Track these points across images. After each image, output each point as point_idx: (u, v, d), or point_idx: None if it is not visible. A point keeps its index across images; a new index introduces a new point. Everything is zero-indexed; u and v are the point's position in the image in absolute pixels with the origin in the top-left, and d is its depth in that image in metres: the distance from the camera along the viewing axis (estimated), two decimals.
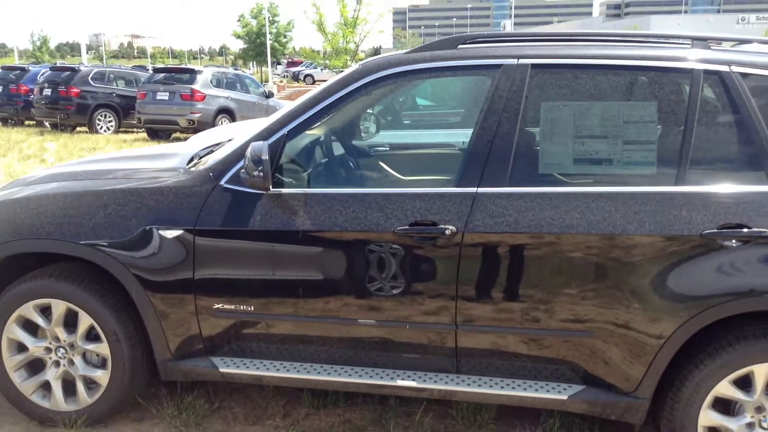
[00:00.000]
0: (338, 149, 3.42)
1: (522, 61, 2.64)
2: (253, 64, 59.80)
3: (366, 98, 2.90)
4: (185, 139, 15.20)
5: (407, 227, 2.58)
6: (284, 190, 2.71)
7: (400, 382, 2.68)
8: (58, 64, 21.11)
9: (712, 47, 2.61)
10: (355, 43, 16.66)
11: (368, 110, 4.39)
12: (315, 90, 2.89)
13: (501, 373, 2.67)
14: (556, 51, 2.66)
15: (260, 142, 2.59)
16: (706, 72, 2.51)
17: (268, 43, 41.00)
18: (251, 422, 3.05)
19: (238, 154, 2.79)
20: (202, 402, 3.12)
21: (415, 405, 3.14)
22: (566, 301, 2.50)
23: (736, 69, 2.50)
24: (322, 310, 2.70)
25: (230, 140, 3.54)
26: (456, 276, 2.57)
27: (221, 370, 2.81)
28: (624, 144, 2.55)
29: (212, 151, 3.29)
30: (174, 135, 15.98)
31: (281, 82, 41.61)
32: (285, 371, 2.78)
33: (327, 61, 17.99)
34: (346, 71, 2.92)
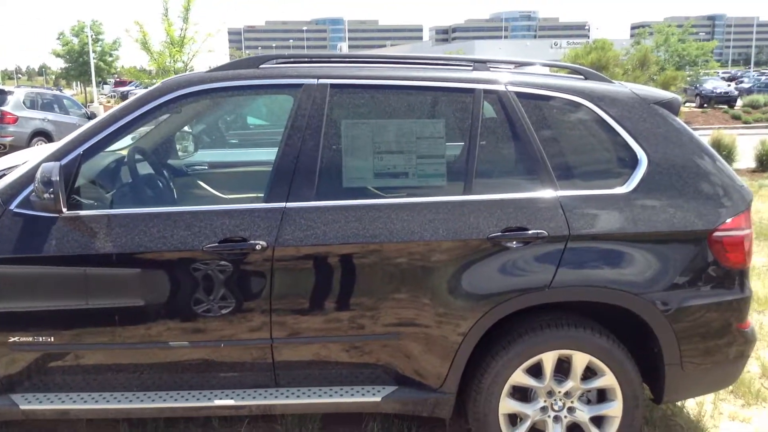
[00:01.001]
0: (146, 168, 3.33)
1: (321, 80, 2.76)
2: (76, 84, 55.91)
3: (167, 116, 2.87)
4: None
5: (216, 244, 2.58)
6: (82, 213, 2.60)
7: (218, 402, 2.66)
8: None
9: (491, 69, 2.89)
10: (183, 62, 16.16)
11: (185, 129, 4.32)
12: (113, 108, 2.81)
13: (319, 381, 2.74)
14: (354, 72, 2.81)
15: (51, 163, 2.47)
16: (486, 92, 2.77)
17: (92, 61, 38.58)
18: None
19: (29, 176, 2.64)
20: None
21: (238, 424, 3.12)
22: (373, 307, 2.63)
23: (511, 88, 2.78)
24: (129, 335, 2.62)
25: (24, 163, 3.33)
26: (270, 290, 2.61)
27: (22, 407, 2.62)
28: (417, 158, 2.74)
29: (4, 175, 3.07)
30: None
31: (108, 102, 39.30)
32: (93, 402, 2.65)
33: (155, 81, 17.29)
34: (147, 90, 2.88)
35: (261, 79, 2.77)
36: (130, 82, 48.55)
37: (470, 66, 2.90)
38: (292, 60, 2.94)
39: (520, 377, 2.71)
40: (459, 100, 2.80)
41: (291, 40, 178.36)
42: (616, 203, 2.67)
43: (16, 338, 2.58)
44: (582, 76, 2.94)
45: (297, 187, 2.66)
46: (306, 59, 2.98)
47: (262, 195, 2.84)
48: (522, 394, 2.79)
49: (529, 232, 2.61)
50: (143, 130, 3.19)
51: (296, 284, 2.63)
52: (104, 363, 2.66)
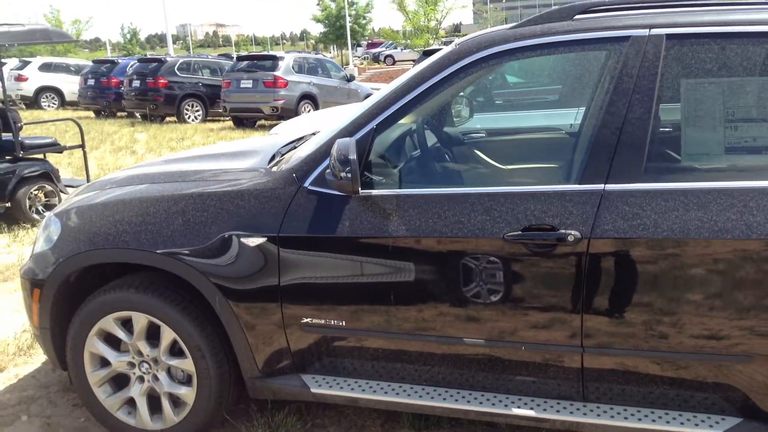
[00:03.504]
0: (430, 140, 3.05)
1: (655, 31, 2.20)
2: (333, 48, 60.00)
3: (463, 83, 2.52)
4: (270, 126, 15.34)
5: (519, 233, 2.21)
6: (374, 192, 2.39)
7: (517, 411, 2.33)
8: (147, 56, 21.71)
9: None
10: (436, 20, 16.09)
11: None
12: (406, 76, 2.55)
13: (637, 401, 2.27)
14: (697, 18, 2.19)
15: (346, 139, 2.27)
16: None
17: (348, 25, 40.86)
18: None
19: (323, 153, 2.49)
20: (294, 420, 2.88)
21: (527, 428, 2.78)
22: (716, 320, 2.07)
23: None
24: (421, 326, 2.38)
25: (314, 134, 3.26)
26: (582, 290, 2.18)
27: (313, 390, 2.55)
28: None
29: (295, 147, 3.02)
30: (259, 123, 16.08)
31: (362, 64, 41.40)
32: (383, 393, 2.48)
33: (408, 41, 17.52)
34: (441, 53, 2.56)
35: (578, 33, 2.28)
36: (381, 44, 50.75)
37: None
38: (612, 7, 2.41)
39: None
40: None
41: None
42: None
43: (308, 319, 2.49)
44: None
45: (620, 166, 2.16)
46: (630, 5, 2.42)
47: (568, 173, 2.41)
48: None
49: None
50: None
51: (616, 285, 2.15)
52: (394, 351, 2.47)
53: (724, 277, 2.04)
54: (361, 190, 2.36)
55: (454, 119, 3.94)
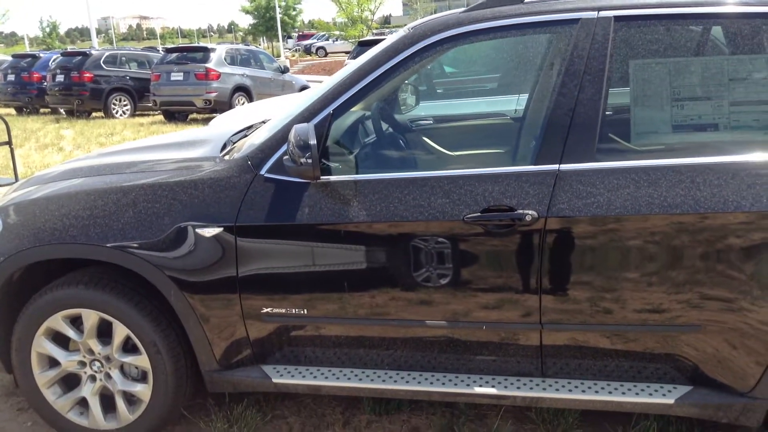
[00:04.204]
0: (383, 126, 3.06)
1: (603, 13, 2.27)
2: (263, 40, 59.09)
3: (417, 67, 2.53)
4: (203, 120, 14.98)
5: (479, 214, 2.24)
6: (333, 178, 2.38)
7: (478, 389, 2.37)
8: (68, 50, 20.78)
9: None
10: (370, 11, 16.11)
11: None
12: (359, 61, 2.54)
13: (594, 375, 2.35)
14: (641, 0, 2.28)
15: (305, 125, 2.25)
16: None
17: (278, 17, 40.32)
18: None
19: (278, 139, 2.46)
20: (254, 412, 2.85)
21: (487, 407, 2.83)
22: (667, 292, 2.16)
23: None
24: (383, 311, 2.39)
25: (263, 122, 3.21)
26: (540, 267, 2.23)
27: (274, 380, 2.52)
28: (731, 105, 2.17)
29: (246, 135, 2.96)
30: (191, 116, 15.69)
31: (293, 56, 40.96)
32: (346, 380, 2.48)
33: (342, 32, 17.45)
34: (393, 37, 2.56)
35: (528, 16, 2.33)
36: (312, 35, 50.32)
37: None
38: None
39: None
40: None
41: None
42: None
43: (268, 309, 2.46)
44: None
45: (573, 146, 2.23)
46: None
47: (523, 155, 2.46)
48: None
49: None
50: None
51: (572, 261, 2.22)
52: (355, 337, 2.47)
53: (674, 251, 2.13)
54: (321, 176, 2.34)
55: (401, 107, 3.96)
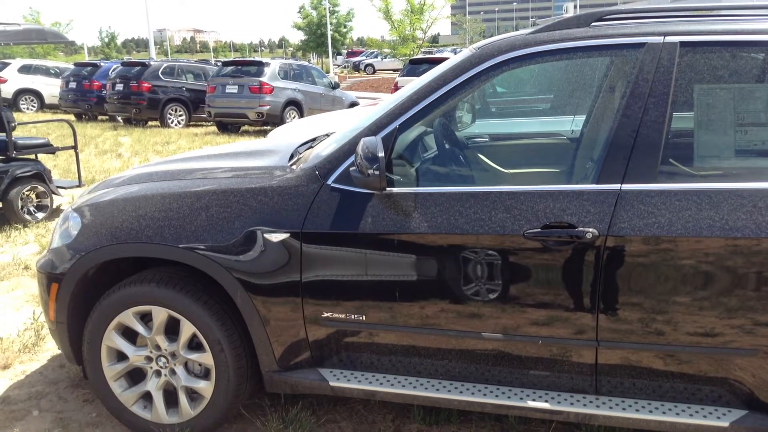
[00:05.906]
0: (443, 142, 3.14)
1: (669, 38, 2.31)
2: (313, 55, 60.06)
3: (483, 86, 2.61)
4: (255, 132, 15.31)
5: (539, 230, 2.30)
6: (396, 190, 2.47)
7: (532, 403, 2.41)
8: (128, 60, 21.56)
9: None
10: (422, 30, 16.29)
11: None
12: (426, 78, 2.63)
13: (647, 394, 2.37)
14: (709, 26, 2.31)
15: (373, 138, 2.35)
16: None
17: (329, 33, 40.98)
18: None
19: (346, 151, 2.56)
20: (308, 415, 2.93)
21: (537, 422, 2.86)
22: (726, 315, 2.17)
23: None
24: (441, 321, 2.46)
25: (328, 135, 3.33)
26: (598, 286, 2.27)
27: (331, 383, 2.60)
28: None
29: (311, 147, 3.08)
30: (243, 128, 16.06)
31: (342, 72, 41.52)
32: (401, 387, 2.55)
33: (393, 50, 17.69)
34: (460, 56, 2.65)
35: (595, 39, 2.39)
36: (361, 53, 50.92)
37: None
38: (627, 16, 2.52)
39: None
40: None
41: (515, 3, 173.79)
42: None
43: (328, 314, 2.55)
44: None
45: (635, 166, 2.27)
46: (644, 14, 2.53)
47: (585, 174, 2.51)
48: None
49: None
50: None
51: (631, 280, 2.25)
52: (413, 346, 2.54)
53: (733, 274, 2.15)
54: (387, 188, 2.43)
55: (458, 124, 4.04)
